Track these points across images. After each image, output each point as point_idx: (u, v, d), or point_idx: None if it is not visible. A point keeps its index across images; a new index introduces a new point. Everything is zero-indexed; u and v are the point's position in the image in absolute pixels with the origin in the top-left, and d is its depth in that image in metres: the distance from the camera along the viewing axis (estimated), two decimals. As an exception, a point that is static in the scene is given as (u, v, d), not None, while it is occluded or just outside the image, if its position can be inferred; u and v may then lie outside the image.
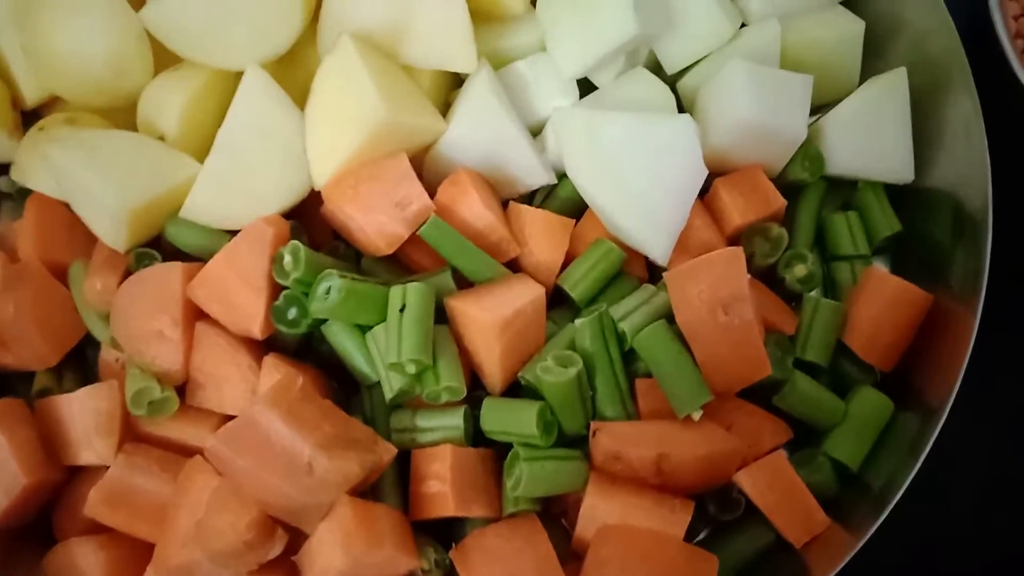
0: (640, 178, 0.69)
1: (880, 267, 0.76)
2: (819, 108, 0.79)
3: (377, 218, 0.67)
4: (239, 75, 0.71)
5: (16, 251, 0.72)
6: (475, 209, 0.69)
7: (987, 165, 0.70)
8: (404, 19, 0.71)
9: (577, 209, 0.74)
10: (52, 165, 0.68)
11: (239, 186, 0.70)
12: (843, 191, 0.78)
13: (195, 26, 0.69)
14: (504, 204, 0.74)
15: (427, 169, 0.75)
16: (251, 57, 0.70)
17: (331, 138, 0.69)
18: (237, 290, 0.65)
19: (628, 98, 0.74)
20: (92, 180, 0.67)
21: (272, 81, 0.70)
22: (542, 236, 0.71)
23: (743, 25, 0.77)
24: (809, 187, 0.76)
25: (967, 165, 0.72)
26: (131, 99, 0.74)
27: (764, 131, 0.71)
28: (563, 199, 0.74)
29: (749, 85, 0.69)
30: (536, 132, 0.76)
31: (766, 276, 0.73)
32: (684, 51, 0.76)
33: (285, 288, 0.66)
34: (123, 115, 0.75)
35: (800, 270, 0.72)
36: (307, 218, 0.72)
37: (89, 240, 0.70)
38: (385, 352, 0.64)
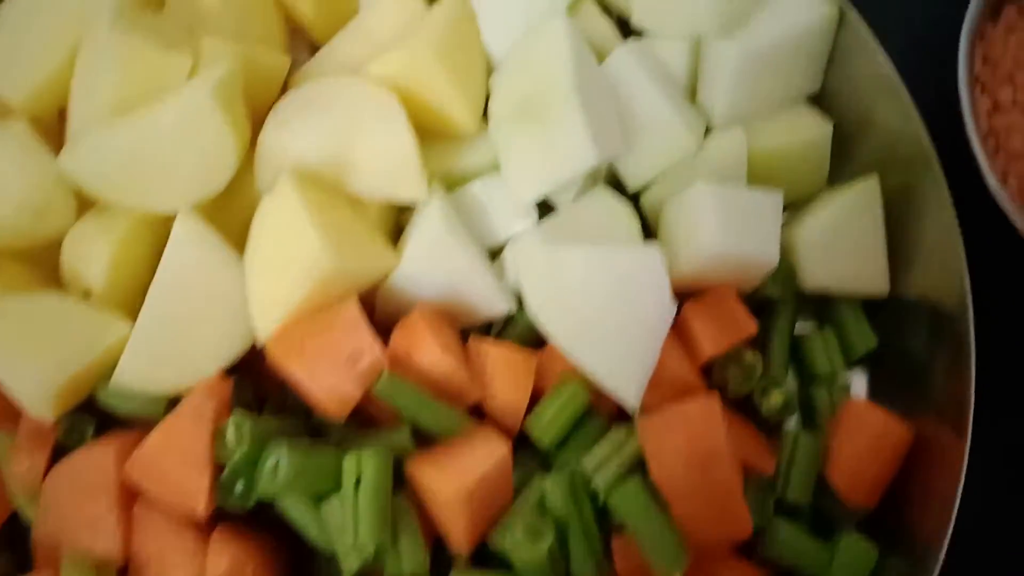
0: (606, 316, 0.65)
1: (859, 397, 0.73)
2: (787, 206, 0.75)
3: (327, 379, 0.62)
4: (171, 217, 0.66)
5: (-67, 421, 0.66)
6: (432, 355, 0.64)
7: (965, 277, 0.67)
8: (346, 151, 0.66)
9: (539, 336, 0.69)
10: (-33, 336, 0.63)
11: (175, 346, 0.64)
12: (815, 302, 0.74)
13: (118, 171, 0.64)
14: (464, 333, 0.70)
15: (380, 303, 0.70)
16: (181, 200, 0.65)
17: (273, 289, 0.64)
18: (178, 469, 0.60)
19: (590, 222, 0.70)
20: (13, 354, 0.62)
21: (206, 228, 0.65)
22: (505, 377, 0.66)
23: (708, 129, 0.74)
24: (781, 304, 0.72)
25: (944, 275, 0.69)
26: (54, 241, 0.68)
27: (734, 258, 0.67)
28: (524, 326, 0.70)
29: (716, 212, 0.65)
30: (495, 254, 0.72)
31: (740, 401, 0.70)
32: (646, 167, 0.72)
33: (231, 457, 0.61)
34: (46, 255, 0.69)
35: (776, 397, 0.69)
36: (252, 363, 0.67)
37: (13, 409, 0.64)
38: (341, 531, 0.59)
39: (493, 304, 0.69)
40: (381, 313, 0.70)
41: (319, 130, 0.66)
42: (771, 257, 0.67)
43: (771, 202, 0.69)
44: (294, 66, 0.73)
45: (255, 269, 0.65)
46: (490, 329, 0.71)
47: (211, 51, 0.65)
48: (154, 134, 0.62)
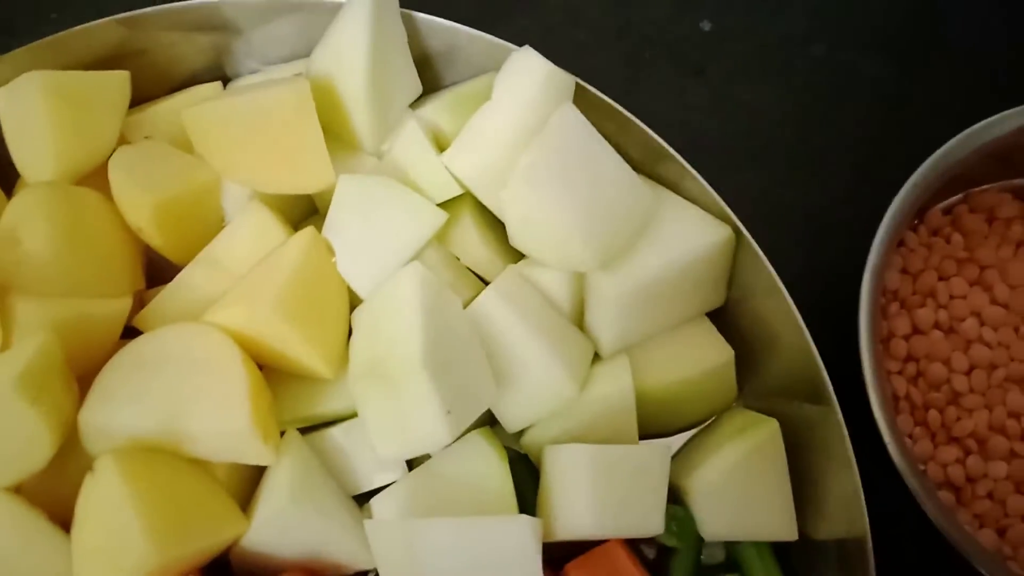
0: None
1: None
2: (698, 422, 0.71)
3: None
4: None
5: None
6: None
7: (865, 521, 0.61)
8: (182, 417, 0.60)
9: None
10: None
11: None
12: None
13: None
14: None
15: (236, 561, 0.64)
16: (-1, 479, 0.59)
17: (98, 578, 0.58)
18: None
19: (460, 476, 0.63)
20: None
21: (27, 509, 0.59)
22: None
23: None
24: (680, 552, 0.66)
25: (846, 516, 0.63)
26: None
27: (616, 525, 0.61)
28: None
29: (591, 488, 0.59)
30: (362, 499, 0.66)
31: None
32: (523, 412, 0.65)
33: None
34: None
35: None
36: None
37: None
38: None
39: (358, 560, 0.63)
40: (239, 569, 0.64)
41: (149, 399, 0.60)
42: (655, 528, 0.61)
43: (657, 459, 0.62)
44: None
45: (81, 555, 0.58)
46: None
47: (25, 318, 0.59)
48: (-48, 425, 0.57)
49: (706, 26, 0.91)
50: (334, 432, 0.66)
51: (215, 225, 0.71)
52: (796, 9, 0.92)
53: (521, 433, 0.67)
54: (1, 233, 0.64)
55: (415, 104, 0.73)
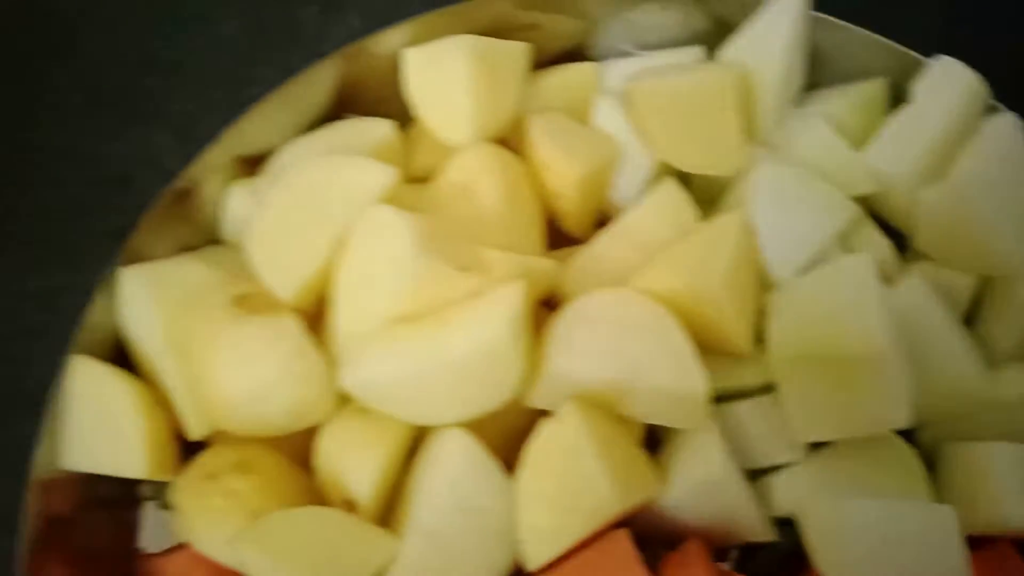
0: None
1: None
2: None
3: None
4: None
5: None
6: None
7: None
8: (626, 375, 0.63)
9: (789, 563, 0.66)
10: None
11: (439, 564, 0.61)
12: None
13: (397, 388, 0.61)
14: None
15: (640, 521, 0.67)
16: (456, 416, 0.62)
17: (550, 521, 0.60)
18: None
19: (868, 462, 0.66)
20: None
21: (475, 442, 0.62)
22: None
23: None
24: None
25: None
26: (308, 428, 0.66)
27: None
28: (781, 552, 0.66)
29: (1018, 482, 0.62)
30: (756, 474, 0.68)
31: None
32: (928, 403, 0.67)
33: None
34: (293, 440, 0.67)
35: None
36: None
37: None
38: None
39: (758, 533, 0.66)
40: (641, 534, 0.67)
41: (601, 353, 0.63)
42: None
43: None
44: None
45: (529, 495, 0.61)
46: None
47: (497, 268, 0.62)
48: (443, 359, 0.59)
49: None
50: (739, 408, 0.68)
51: (605, 198, 0.74)
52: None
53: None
54: (454, 187, 0.67)
55: (804, 98, 0.76)
